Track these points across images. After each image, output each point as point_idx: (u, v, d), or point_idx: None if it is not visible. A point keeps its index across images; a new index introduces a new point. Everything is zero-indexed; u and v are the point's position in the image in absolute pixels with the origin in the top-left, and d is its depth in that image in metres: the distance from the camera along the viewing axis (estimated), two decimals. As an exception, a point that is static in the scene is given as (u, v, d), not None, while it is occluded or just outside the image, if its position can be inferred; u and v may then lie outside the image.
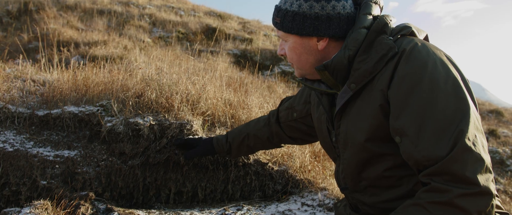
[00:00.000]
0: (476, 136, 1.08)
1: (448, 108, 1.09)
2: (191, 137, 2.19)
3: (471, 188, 1.03)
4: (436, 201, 1.07)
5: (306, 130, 1.83)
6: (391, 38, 1.25)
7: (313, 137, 1.89)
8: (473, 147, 1.05)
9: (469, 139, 1.06)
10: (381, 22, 1.26)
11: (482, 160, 1.05)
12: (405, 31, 1.29)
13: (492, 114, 10.27)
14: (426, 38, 1.35)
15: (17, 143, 2.25)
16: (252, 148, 2.04)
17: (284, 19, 1.32)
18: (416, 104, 1.13)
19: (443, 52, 1.23)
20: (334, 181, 2.58)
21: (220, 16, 11.01)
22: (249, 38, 8.94)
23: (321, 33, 1.29)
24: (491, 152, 6.37)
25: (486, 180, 1.05)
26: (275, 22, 1.37)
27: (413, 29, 1.30)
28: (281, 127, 1.93)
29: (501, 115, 10.11)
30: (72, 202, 1.94)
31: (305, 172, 2.60)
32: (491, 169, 1.07)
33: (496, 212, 1.17)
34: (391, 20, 1.29)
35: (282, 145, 2.04)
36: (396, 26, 1.32)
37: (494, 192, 1.06)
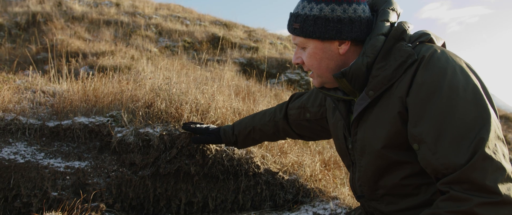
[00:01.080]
0: (497, 144, 1.06)
1: (467, 116, 1.08)
2: (198, 125, 2.23)
3: (492, 198, 1.01)
4: (455, 210, 1.05)
5: (319, 130, 1.82)
6: (410, 45, 1.24)
7: (323, 137, 1.89)
8: (493, 155, 1.03)
9: (489, 147, 1.04)
10: (399, 28, 1.26)
11: (503, 169, 1.03)
12: (424, 38, 1.28)
13: (501, 120, 10.17)
14: (443, 45, 1.34)
15: (28, 154, 2.25)
16: (258, 140, 2.06)
17: (304, 24, 1.30)
18: (435, 111, 1.11)
19: (462, 60, 1.21)
20: (345, 190, 2.56)
21: (226, 25, 11.06)
22: (255, 47, 8.96)
23: (344, 36, 1.28)
24: (501, 159, 6.30)
25: (508, 189, 1.02)
26: (293, 29, 1.35)
27: (432, 36, 1.29)
28: (289, 123, 1.92)
29: (510, 121, 10.01)
30: (83, 213, 1.93)
31: (316, 181, 2.58)
32: None
33: None
34: (409, 27, 1.28)
35: (287, 139, 2.13)
36: (415, 33, 1.31)
37: None
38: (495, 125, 1.09)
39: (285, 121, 1.92)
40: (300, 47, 1.38)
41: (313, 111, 1.77)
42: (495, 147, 1.05)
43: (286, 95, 5.50)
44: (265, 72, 6.87)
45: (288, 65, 7.84)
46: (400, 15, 1.35)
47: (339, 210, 2.29)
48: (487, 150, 1.03)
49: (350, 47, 1.32)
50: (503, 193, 1.01)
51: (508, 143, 7.68)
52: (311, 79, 1.51)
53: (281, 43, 10.23)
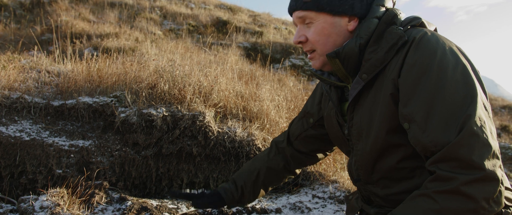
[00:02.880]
0: (485, 121, 1.07)
1: (456, 94, 1.09)
2: (188, 191, 1.87)
3: (476, 173, 1.02)
4: (442, 190, 1.06)
5: (326, 134, 1.69)
6: (401, 28, 1.26)
7: (332, 144, 1.76)
8: (480, 132, 1.04)
9: (476, 124, 1.05)
10: (391, 13, 1.28)
11: (489, 145, 1.04)
12: (415, 22, 1.30)
13: (505, 110, 10.13)
14: (435, 30, 1.35)
15: (33, 132, 2.29)
16: (267, 185, 1.81)
17: None
18: (424, 90, 1.13)
19: (453, 43, 1.23)
20: (344, 174, 2.59)
21: (231, 9, 10.99)
22: (260, 31, 8.92)
23: (356, 11, 1.29)
24: (503, 148, 6.29)
25: (493, 165, 1.03)
26: (303, 3, 1.32)
27: (423, 20, 1.30)
28: (294, 147, 1.79)
29: (514, 111, 9.97)
30: (87, 190, 1.97)
31: (316, 164, 2.61)
32: (499, 155, 1.06)
33: (508, 205, 1.16)
34: (400, 13, 1.30)
35: (297, 172, 1.85)
36: (406, 18, 1.33)
37: (501, 178, 1.03)
38: (482, 102, 1.10)
39: (291, 146, 1.79)
40: (305, 23, 1.36)
41: (315, 111, 1.70)
42: (483, 124, 1.06)
43: (289, 81, 5.50)
44: (269, 57, 6.85)
45: (292, 50, 7.81)
46: (396, 3, 1.36)
47: (338, 193, 2.33)
48: (474, 127, 1.04)
49: (358, 25, 1.33)
50: (487, 169, 1.02)
51: (511, 132, 7.67)
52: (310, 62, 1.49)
53: (286, 29, 10.17)
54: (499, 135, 7.55)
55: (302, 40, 1.37)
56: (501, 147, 6.38)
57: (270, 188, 1.83)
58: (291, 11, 1.40)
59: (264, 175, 1.79)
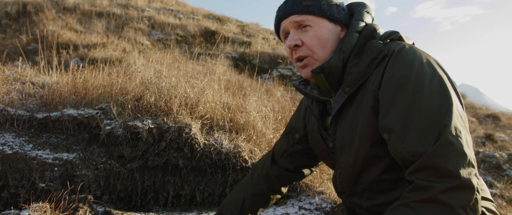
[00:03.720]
0: (460, 131, 1.09)
1: (433, 105, 1.12)
2: None
3: (452, 182, 1.04)
4: (420, 199, 1.08)
5: (311, 149, 1.69)
6: (381, 42, 1.29)
7: (318, 159, 1.77)
8: (455, 141, 1.07)
9: (451, 134, 1.07)
10: (370, 28, 1.34)
11: (464, 154, 1.07)
12: (394, 36, 1.34)
13: (489, 118, 10.31)
14: (413, 44, 1.39)
15: (16, 145, 2.26)
16: (255, 210, 1.79)
17: (317, 2, 1.34)
18: (402, 101, 1.16)
19: (430, 56, 1.27)
20: (331, 185, 2.60)
21: (219, 19, 11.04)
22: (248, 41, 8.96)
23: (346, 22, 1.38)
24: (488, 157, 6.39)
25: (469, 173, 1.05)
26: (303, 6, 1.34)
27: (401, 34, 1.35)
28: (279, 165, 1.78)
29: (498, 119, 10.16)
30: (70, 204, 1.94)
31: (303, 175, 2.61)
32: (474, 164, 1.08)
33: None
34: (379, 28, 1.34)
35: (283, 190, 1.83)
36: (385, 32, 1.37)
37: (477, 186, 1.05)
38: (458, 112, 1.13)
39: (276, 165, 1.78)
40: (300, 28, 1.36)
41: (300, 126, 1.70)
42: (458, 133, 1.08)
43: (277, 91, 5.53)
44: (257, 67, 6.88)
45: (280, 60, 7.86)
46: (374, 19, 1.41)
47: (324, 205, 2.33)
48: (449, 136, 1.07)
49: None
50: (462, 177, 1.04)
51: (495, 141, 7.80)
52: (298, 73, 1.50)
53: (274, 39, 10.24)
54: (483, 144, 7.67)
55: (298, 44, 1.36)
56: (485, 156, 6.49)
57: (259, 212, 1.81)
58: (286, 15, 1.38)
59: (250, 202, 1.77)
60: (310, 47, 1.34)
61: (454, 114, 1.10)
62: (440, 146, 1.06)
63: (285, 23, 1.38)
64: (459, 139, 1.07)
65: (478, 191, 1.06)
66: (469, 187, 1.04)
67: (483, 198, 1.27)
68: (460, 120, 1.12)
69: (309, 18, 1.34)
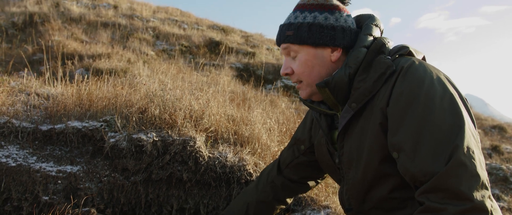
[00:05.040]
0: (473, 151, 1.07)
1: (444, 124, 1.10)
2: None
3: (465, 205, 1.02)
4: None
5: (317, 161, 1.69)
6: (389, 57, 1.27)
7: (323, 171, 1.76)
8: (468, 162, 1.05)
9: (464, 154, 1.05)
10: (379, 42, 1.31)
11: (477, 175, 1.04)
12: (403, 51, 1.32)
13: (495, 130, 10.23)
14: (423, 59, 1.37)
15: (20, 158, 2.25)
16: None
17: (298, 31, 1.32)
18: (413, 120, 1.14)
19: (441, 72, 1.24)
20: (336, 199, 2.57)
21: (223, 30, 11.09)
22: (252, 52, 8.98)
23: (337, 42, 1.32)
24: (494, 169, 6.32)
25: (482, 196, 1.03)
26: (285, 37, 1.36)
27: (411, 49, 1.32)
28: (285, 175, 1.78)
29: (504, 131, 10.07)
30: (74, 219, 1.93)
31: (308, 189, 2.58)
32: (487, 185, 1.06)
33: None
34: (389, 42, 1.32)
35: (288, 201, 1.84)
36: (394, 47, 1.35)
37: (490, 208, 1.03)
38: (470, 132, 1.11)
39: (281, 175, 1.79)
40: (290, 56, 1.39)
41: (306, 137, 1.69)
42: (471, 154, 1.06)
43: (281, 102, 5.52)
44: (261, 78, 6.89)
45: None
46: (383, 32, 1.39)
47: (330, 219, 2.30)
48: (462, 157, 1.05)
49: (341, 55, 1.35)
50: (476, 199, 1.02)
51: (501, 153, 7.72)
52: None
53: (278, 49, 10.26)
54: (490, 155, 7.60)
55: (288, 72, 1.41)
56: (492, 168, 6.41)
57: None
58: (277, 43, 1.43)
59: (254, 209, 1.77)
60: (298, 75, 1.38)
61: (466, 133, 1.08)
62: (453, 167, 1.03)
63: (280, 49, 1.43)
64: (472, 159, 1.05)
65: (491, 214, 1.03)
66: (483, 210, 1.02)
67: None
68: (472, 140, 1.10)
69: (293, 47, 1.36)
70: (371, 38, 1.32)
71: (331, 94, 1.33)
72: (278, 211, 1.86)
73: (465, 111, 1.15)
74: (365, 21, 1.39)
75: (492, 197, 1.06)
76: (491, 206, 1.04)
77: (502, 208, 5.09)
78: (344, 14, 1.34)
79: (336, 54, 1.34)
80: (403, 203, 1.31)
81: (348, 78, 1.28)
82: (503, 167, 6.43)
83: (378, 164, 1.28)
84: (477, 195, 1.02)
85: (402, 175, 1.23)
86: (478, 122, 10.83)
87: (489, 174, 6.30)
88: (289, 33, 1.34)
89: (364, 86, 1.26)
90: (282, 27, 1.39)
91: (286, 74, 1.42)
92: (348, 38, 1.33)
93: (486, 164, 6.63)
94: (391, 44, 1.34)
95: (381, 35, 1.38)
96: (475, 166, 1.05)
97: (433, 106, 1.12)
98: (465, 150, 1.05)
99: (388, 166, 1.28)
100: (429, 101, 1.13)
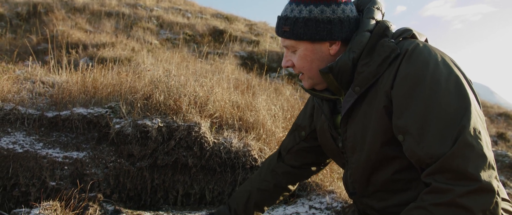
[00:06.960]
0: (479, 132, 1.06)
1: (450, 106, 1.09)
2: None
3: (472, 185, 1.01)
4: (439, 202, 1.05)
5: (318, 146, 1.68)
6: (393, 40, 1.25)
7: (325, 156, 1.75)
8: (475, 143, 1.04)
9: (471, 135, 1.04)
10: (382, 26, 1.28)
11: (484, 156, 1.04)
12: (406, 34, 1.30)
13: (501, 117, 10.16)
14: (426, 41, 1.35)
15: (26, 144, 2.27)
16: (261, 205, 1.81)
17: (294, 27, 1.30)
18: (418, 102, 1.13)
19: (445, 54, 1.22)
20: (341, 184, 2.57)
21: (227, 18, 11.04)
22: (256, 40, 8.94)
23: (335, 36, 1.29)
24: (500, 156, 6.29)
25: (489, 176, 1.02)
26: (283, 32, 1.35)
27: (414, 32, 1.30)
28: (286, 162, 1.78)
29: (510, 118, 10.00)
30: (80, 203, 1.95)
31: (313, 174, 2.59)
32: (494, 166, 1.05)
33: None
34: (391, 25, 1.30)
35: (291, 188, 1.84)
36: (397, 30, 1.33)
37: (497, 189, 1.02)
38: (476, 113, 1.10)
39: (282, 162, 1.78)
40: (290, 50, 1.38)
41: (307, 123, 1.68)
42: (478, 134, 1.05)
43: (286, 90, 5.51)
44: (265, 66, 6.86)
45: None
46: (384, 14, 1.37)
47: (335, 204, 2.31)
48: (468, 138, 1.04)
49: (341, 47, 1.33)
50: (483, 180, 1.01)
51: (507, 140, 7.69)
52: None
53: (282, 37, 10.21)
54: (495, 143, 7.56)
55: (289, 65, 1.41)
56: (498, 155, 6.39)
57: (265, 208, 1.81)
58: (277, 35, 1.41)
59: (255, 197, 1.78)
60: (299, 69, 1.37)
61: (472, 114, 1.07)
62: (459, 148, 1.03)
63: (280, 41, 1.42)
64: (479, 140, 1.04)
65: (498, 194, 1.03)
66: (490, 190, 1.01)
67: (502, 199, 1.23)
68: (479, 121, 1.09)
69: (291, 42, 1.35)
70: (373, 21, 1.30)
71: (335, 79, 1.32)
72: (282, 197, 1.87)
73: (471, 92, 1.14)
74: (367, 5, 1.37)
75: (498, 177, 1.05)
76: (498, 186, 1.03)
77: (508, 194, 5.07)
78: (341, 4, 1.30)
79: (334, 48, 1.33)
80: (407, 184, 1.30)
81: (351, 63, 1.27)
82: (509, 154, 6.40)
83: (381, 147, 1.28)
84: (484, 175, 1.01)
85: (406, 157, 1.23)
86: (484, 110, 10.77)
87: (495, 161, 6.28)
88: (286, 29, 1.32)
89: (368, 70, 1.25)
90: (279, 20, 1.37)
91: (287, 67, 1.42)
92: (347, 29, 1.30)
93: (492, 151, 6.60)
94: (393, 27, 1.32)
95: (382, 18, 1.36)
96: (481, 147, 1.04)
97: (438, 88, 1.11)
98: (472, 131, 1.04)
99: (392, 149, 1.27)
100: (434, 84, 1.12)
